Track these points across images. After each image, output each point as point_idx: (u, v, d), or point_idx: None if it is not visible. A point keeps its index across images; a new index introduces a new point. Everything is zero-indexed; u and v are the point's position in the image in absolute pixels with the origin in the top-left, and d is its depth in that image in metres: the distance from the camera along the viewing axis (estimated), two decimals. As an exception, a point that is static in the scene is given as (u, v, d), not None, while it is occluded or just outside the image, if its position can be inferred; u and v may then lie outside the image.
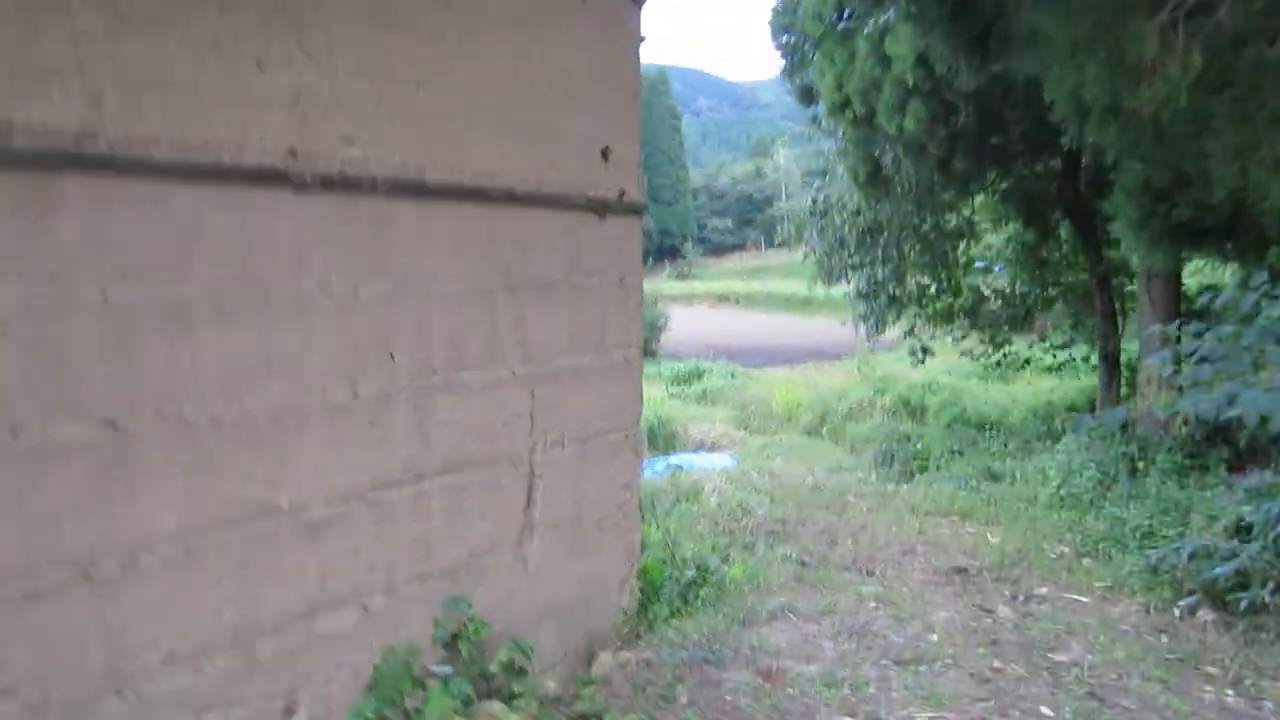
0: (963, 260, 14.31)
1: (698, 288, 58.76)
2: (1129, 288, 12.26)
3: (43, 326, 2.27)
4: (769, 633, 4.46)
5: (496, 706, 3.11)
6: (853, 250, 14.12)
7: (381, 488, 3.09)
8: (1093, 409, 11.41)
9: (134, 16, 2.39)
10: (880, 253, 13.68)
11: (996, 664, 4.19)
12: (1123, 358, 11.53)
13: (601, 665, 3.89)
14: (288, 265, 2.78)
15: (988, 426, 13.69)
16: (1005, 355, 14.36)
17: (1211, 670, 4.20)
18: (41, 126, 2.23)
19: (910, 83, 8.68)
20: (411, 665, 3.08)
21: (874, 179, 11.21)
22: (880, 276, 13.83)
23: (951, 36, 5.59)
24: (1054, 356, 14.47)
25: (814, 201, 15.07)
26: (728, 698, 3.71)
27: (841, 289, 15.96)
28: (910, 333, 14.89)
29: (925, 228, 13.33)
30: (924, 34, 5.89)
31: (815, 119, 12.21)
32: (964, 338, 14.52)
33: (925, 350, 14.45)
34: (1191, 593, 5.00)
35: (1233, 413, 4.06)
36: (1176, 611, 4.94)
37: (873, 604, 4.99)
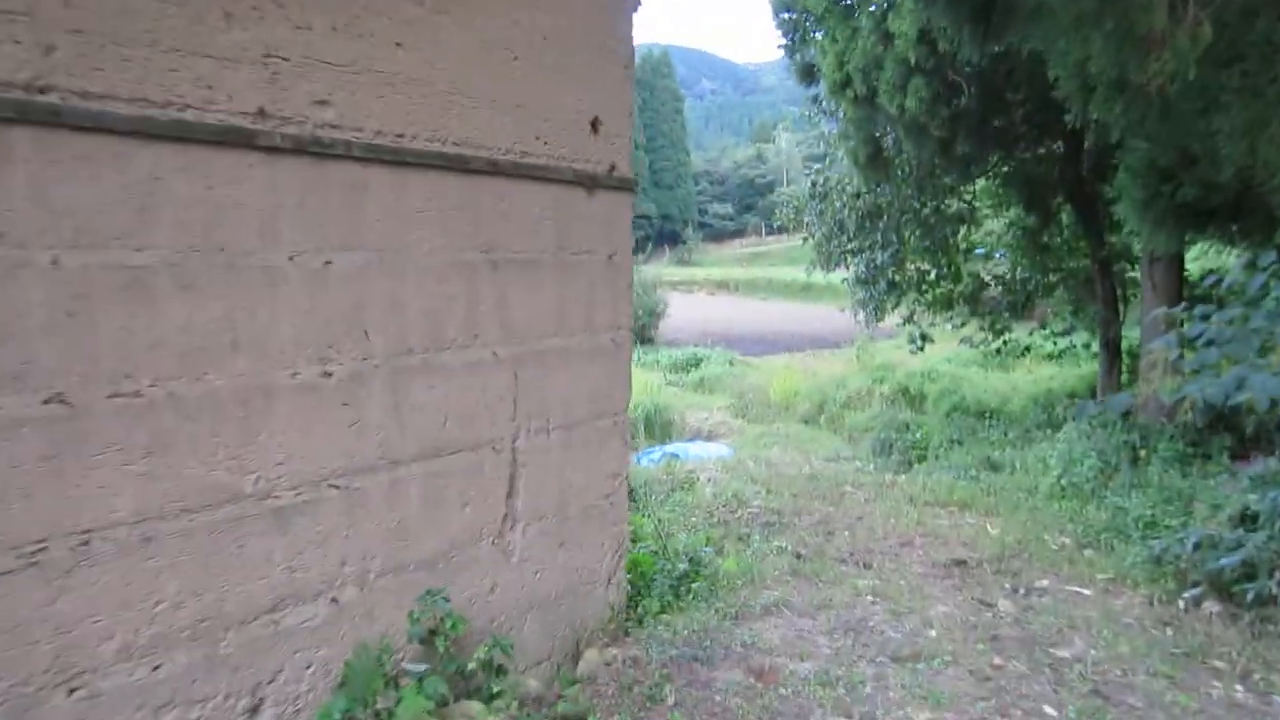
0: (963, 246, 14.16)
1: (697, 274, 58.63)
2: (1130, 274, 12.17)
3: (-16, 293, 2.12)
4: (762, 628, 4.32)
5: (474, 707, 2.96)
6: (852, 234, 13.95)
7: (354, 473, 2.93)
8: (1094, 396, 11.29)
9: (88, -39, 2.23)
10: (880, 237, 13.51)
11: (997, 661, 4.05)
12: (1124, 345, 11.39)
13: (587, 663, 3.74)
14: (255, 233, 2.62)
15: (987, 415, 13.58)
16: (1005, 342, 14.22)
17: (1219, 664, 4.08)
18: (-15, 75, 2.08)
19: (913, 60, 8.49)
20: (384, 662, 2.93)
21: (874, 161, 11.03)
22: (879, 261, 13.67)
23: (954, 8, 5.42)
24: (1054, 343, 14.34)
25: (813, 184, 14.89)
26: (717, 698, 3.56)
27: (840, 275, 15.80)
28: (910, 319, 14.75)
29: (925, 212, 13.17)
30: (927, 6, 5.70)
31: (816, 98, 12.02)
32: (964, 325, 14.37)
33: (924, 337, 14.31)
34: (1196, 584, 4.88)
35: (1242, 397, 3.91)
36: (1181, 604, 4.82)
37: (869, 598, 4.86)
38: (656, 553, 5.12)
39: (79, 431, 2.28)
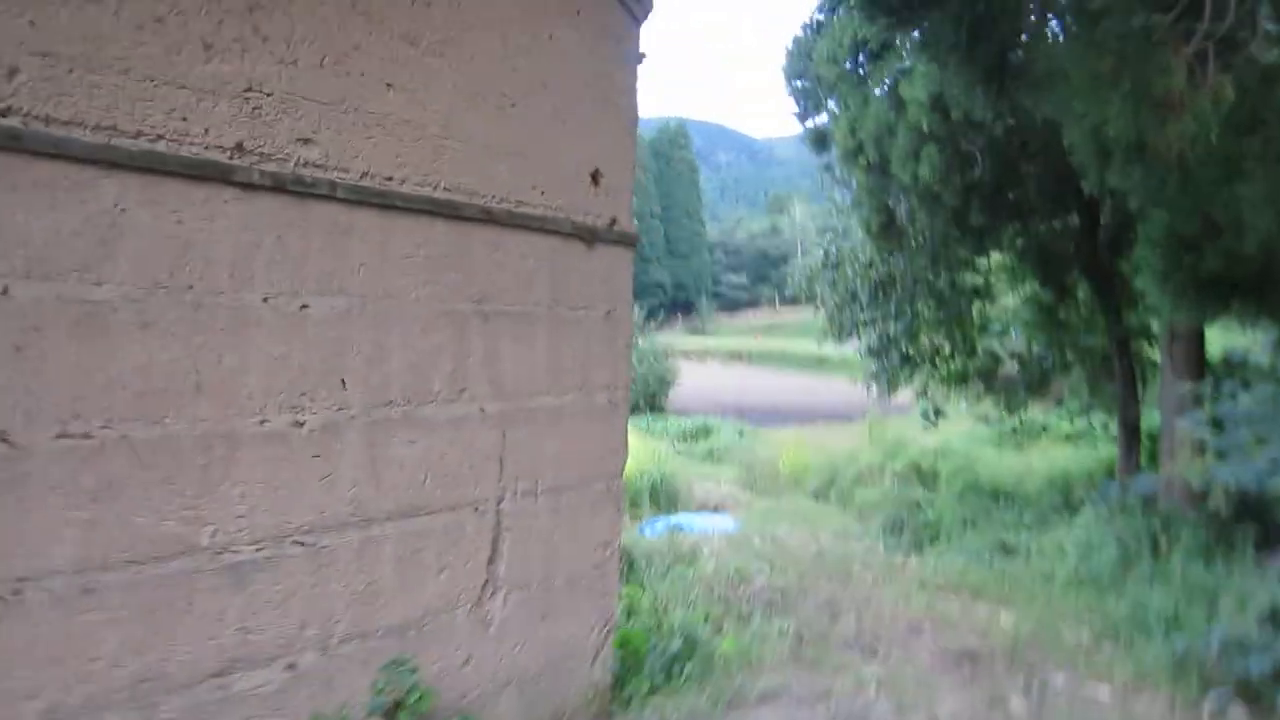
0: (978, 321, 13.99)
1: (710, 344, 58.62)
2: (1149, 353, 11.95)
3: (-77, 321, 1.98)
4: (757, 718, 4.06)
5: (435, 789, 2.73)
6: (864, 305, 13.82)
7: (322, 530, 2.75)
8: (1112, 478, 10.99)
9: (59, -18, 2.14)
10: (893, 308, 13.37)
11: (1009, 769, 3.78)
12: (1143, 425, 11.12)
13: (566, 748, 3.50)
14: (226, 272, 2.49)
15: (1002, 496, 13.24)
16: (1021, 421, 13.94)
17: (1247, 781, 3.80)
18: (-62, 94, 1.97)
19: (925, 128, 8.46)
20: (342, 735, 2.71)
21: (887, 230, 10.96)
22: (892, 333, 13.50)
23: (967, 66, 5.34)
24: (1071, 423, 14.05)
25: (825, 253, 14.81)
26: (702, 798, 3.31)
27: (853, 347, 15.62)
28: (923, 394, 14.52)
29: (940, 284, 13.04)
30: (938, 63, 5.64)
31: (828, 166, 12.00)
32: (978, 401, 14.12)
33: (938, 412, 14.06)
34: (1222, 687, 4.59)
35: (1277, 482, 3.70)
36: (1206, 708, 4.56)
37: (873, 689, 4.59)
38: (650, 629, 4.88)
39: (19, 473, 2.12)
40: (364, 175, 2.83)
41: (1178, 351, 9.07)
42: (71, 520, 2.21)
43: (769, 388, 38.63)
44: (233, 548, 2.52)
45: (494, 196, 3.25)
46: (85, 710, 2.24)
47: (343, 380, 2.78)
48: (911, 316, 13.37)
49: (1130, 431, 10.87)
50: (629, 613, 5.26)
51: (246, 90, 2.52)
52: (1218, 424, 4.29)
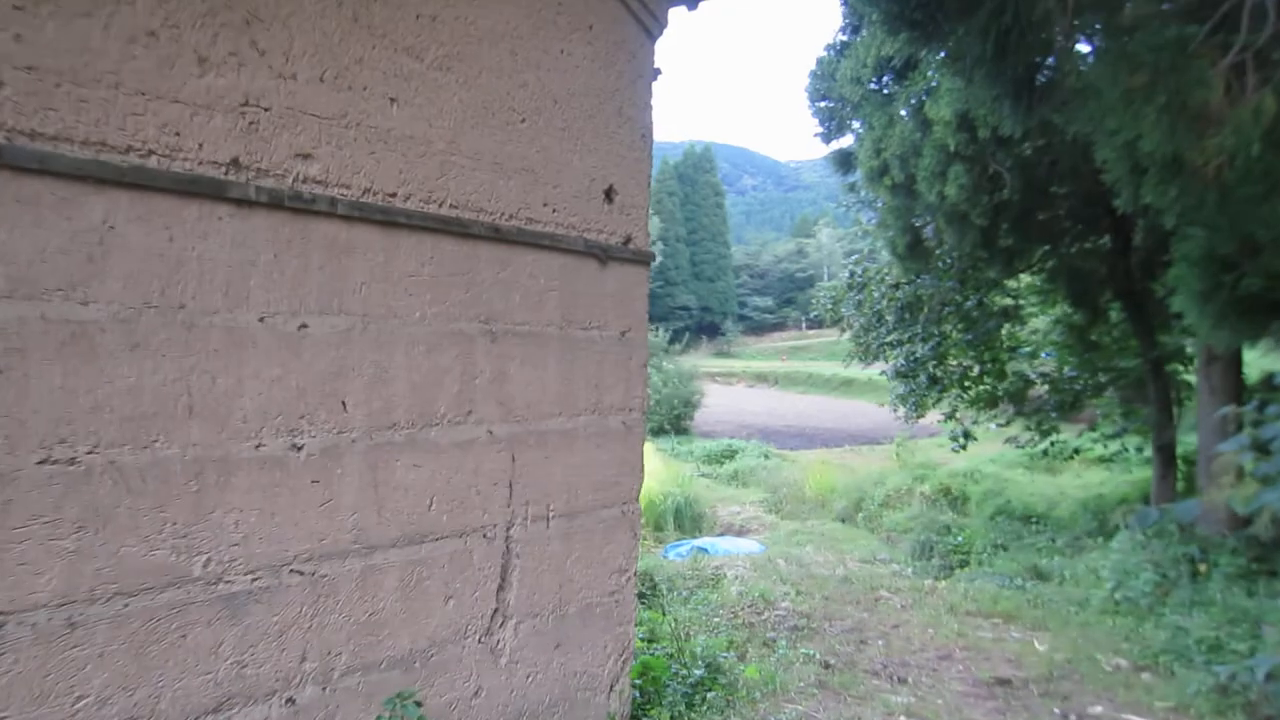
0: (1008, 344, 13.76)
1: (736, 366, 58.51)
2: (1184, 375, 11.68)
3: (-109, 343, 1.91)
4: (781, 747, 3.92)
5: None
6: (891, 326, 13.61)
7: (322, 558, 2.65)
8: (1147, 503, 10.70)
9: (44, -8, 2.08)
10: (920, 329, 13.16)
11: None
12: (1179, 449, 10.84)
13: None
14: (220, 291, 2.40)
15: (1034, 520, 12.96)
16: (1053, 444, 13.66)
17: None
18: (-89, 106, 1.90)
19: (952, 147, 8.30)
20: (342, 773, 2.60)
21: (914, 250, 10.78)
22: (919, 354, 13.28)
23: (994, 80, 5.21)
24: (1105, 446, 13.75)
25: (851, 274, 14.64)
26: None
27: (880, 369, 15.42)
28: (951, 416, 14.27)
29: (968, 305, 12.83)
30: (964, 77, 5.51)
31: (853, 186, 11.86)
32: (1008, 424, 13.86)
33: (967, 435, 13.80)
34: (1270, 719, 4.36)
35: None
36: (1252, 739, 4.33)
37: (903, 719, 4.41)
38: (672, 656, 4.75)
39: (0, 500, 2.03)
40: (366, 192, 2.74)
41: (1215, 374, 8.82)
42: (56, 550, 2.12)
43: (795, 410, 38.38)
44: (227, 578, 2.42)
45: (502, 214, 3.16)
46: (69, 749, 2.14)
47: (343, 402, 2.68)
48: (939, 338, 13.15)
49: (1166, 455, 10.59)
50: (650, 639, 5.13)
51: (243, 104, 2.45)
52: (1262, 448, 4.10)
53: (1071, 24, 5.29)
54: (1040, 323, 14.38)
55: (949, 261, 11.84)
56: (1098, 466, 15.40)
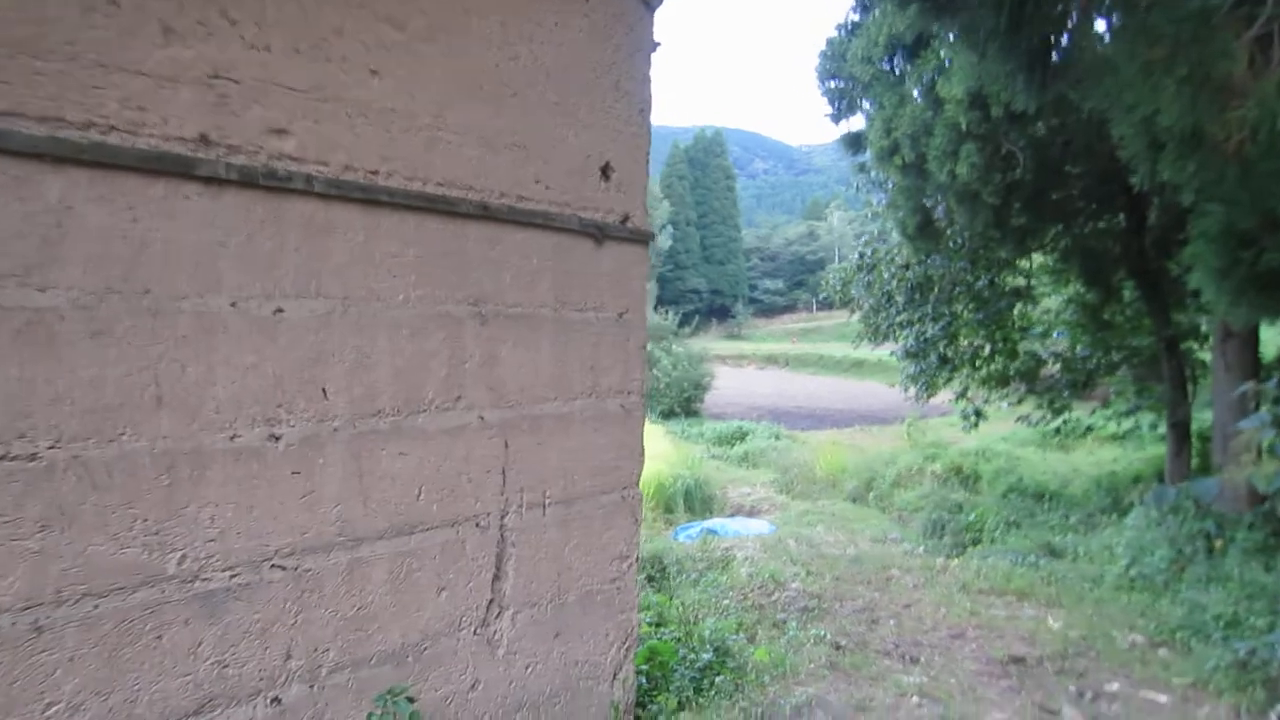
0: (1019, 323, 13.59)
1: (746, 348, 58.36)
2: (1198, 353, 11.51)
3: None
4: (790, 734, 3.82)
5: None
6: (901, 307, 13.45)
7: (305, 552, 2.54)
8: (1161, 480, 10.57)
9: (-10, -42, 1.95)
10: (930, 309, 12.99)
11: (1062, 786, 3.50)
12: (1194, 426, 10.70)
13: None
14: (188, 274, 2.28)
15: (1047, 497, 12.82)
16: (1065, 422, 13.51)
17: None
18: None
19: (964, 126, 8.11)
20: (330, 775, 2.51)
21: (924, 231, 10.59)
22: (930, 334, 13.12)
23: (1008, 54, 5.05)
24: (1118, 424, 13.60)
25: (860, 255, 14.46)
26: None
27: (890, 349, 15.27)
28: (962, 395, 14.13)
29: (979, 285, 12.66)
30: (976, 51, 5.35)
31: (863, 166, 11.67)
32: (1020, 402, 13.71)
33: (978, 414, 13.66)
34: (1291, 693, 4.28)
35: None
36: (1273, 717, 4.21)
37: (915, 699, 4.33)
38: (680, 640, 4.65)
39: (-43, 498, 1.93)
40: (345, 169, 2.62)
41: (1230, 351, 8.67)
42: (18, 551, 2.02)
43: (806, 391, 38.24)
44: (204, 575, 2.32)
45: (492, 191, 3.03)
46: (37, 757, 2.04)
47: (324, 389, 2.57)
48: (950, 318, 12.99)
49: (1180, 432, 10.45)
50: (658, 623, 5.04)
51: (212, 77, 2.32)
52: (1288, 423, 3.98)
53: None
54: (1052, 302, 14.21)
55: (960, 241, 11.67)
56: (1111, 444, 15.26)
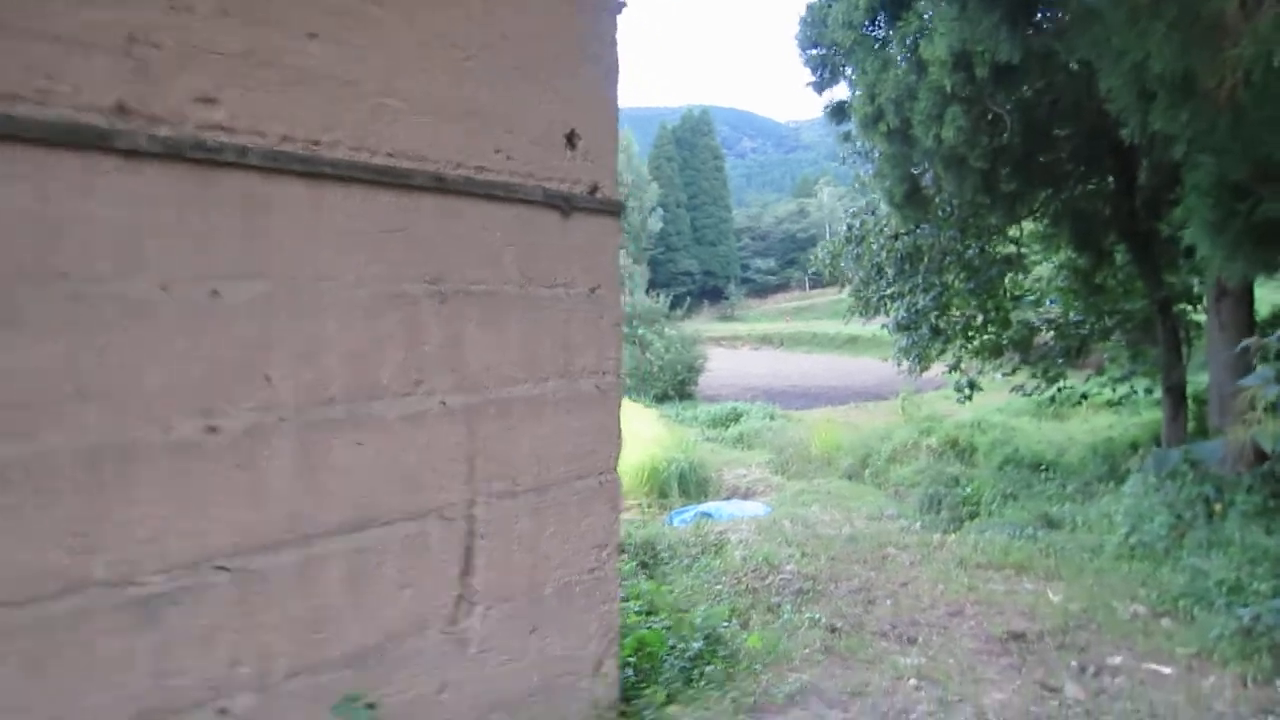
0: (1011, 292, 13.48)
1: (740, 329, 58.30)
2: (1192, 315, 11.40)
3: None
4: (783, 724, 3.67)
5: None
6: (891, 278, 13.31)
7: (251, 552, 2.37)
8: (1158, 445, 10.47)
9: None
10: (921, 280, 12.86)
11: (1067, 766, 3.36)
12: (1189, 389, 10.60)
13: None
14: (109, 256, 2.10)
15: (1043, 467, 12.75)
16: (1060, 390, 13.41)
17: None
18: None
19: (948, 88, 7.93)
20: (285, 789, 2.35)
21: (912, 199, 10.43)
22: (921, 306, 12.99)
23: (990, 5, 4.87)
24: (1113, 390, 13.52)
25: (849, 228, 14.31)
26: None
27: (881, 323, 15.16)
28: (956, 367, 14.01)
29: (969, 253, 12.52)
30: (959, 13, 5.17)
31: (848, 136, 11.48)
32: (1014, 372, 13.60)
33: (972, 386, 13.55)
34: (1298, 661, 4.15)
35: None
36: (1280, 685, 4.09)
37: (913, 682, 4.18)
38: (670, 629, 4.50)
39: None
40: (284, 139, 2.43)
41: (1225, 310, 8.55)
42: (-76, 558, 1.85)
43: (800, 370, 38.19)
44: (137, 579, 2.15)
45: (448, 162, 2.85)
46: (-47, 783, 1.88)
47: (267, 376, 2.39)
48: (941, 288, 12.87)
49: (1176, 395, 10.35)
50: (649, 611, 4.89)
51: (129, 41, 2.13)
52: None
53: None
54: (1044, 270, 14.10)
55: (949, 209, 11.54)
56: (1106, 411, 15.20)
